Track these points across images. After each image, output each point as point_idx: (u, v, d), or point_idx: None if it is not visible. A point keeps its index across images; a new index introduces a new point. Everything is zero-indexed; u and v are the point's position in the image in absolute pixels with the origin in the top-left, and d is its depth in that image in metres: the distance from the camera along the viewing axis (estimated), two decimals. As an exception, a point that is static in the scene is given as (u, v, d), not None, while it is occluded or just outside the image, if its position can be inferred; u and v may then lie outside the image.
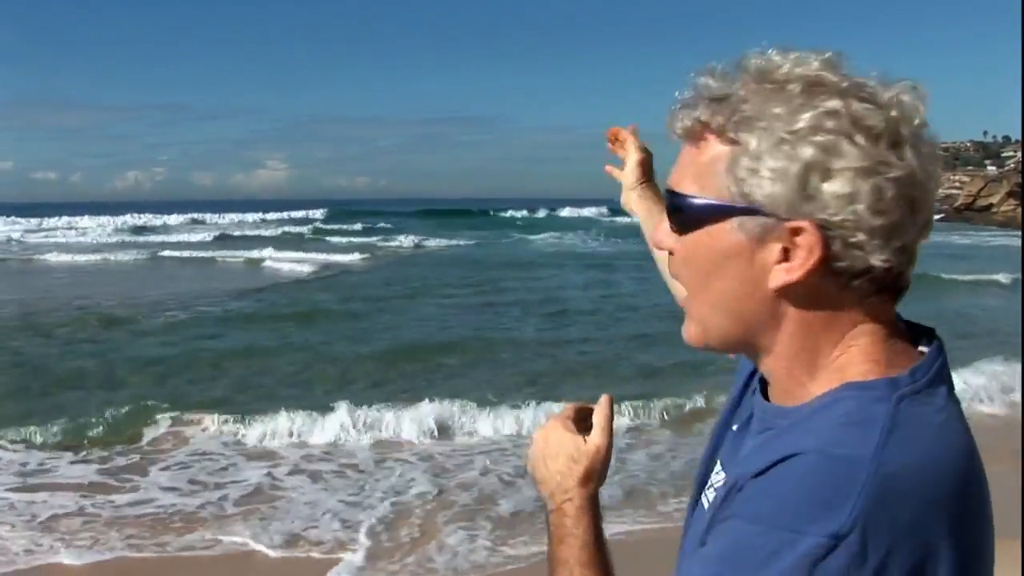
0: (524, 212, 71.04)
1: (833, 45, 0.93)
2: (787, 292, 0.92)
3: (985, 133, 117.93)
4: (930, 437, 0.89)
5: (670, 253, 1.02)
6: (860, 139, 0.87)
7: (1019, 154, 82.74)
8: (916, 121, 0.90)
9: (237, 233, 48.06)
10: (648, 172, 1.83)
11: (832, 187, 0.87)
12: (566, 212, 71.31)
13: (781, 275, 0.91)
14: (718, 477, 1.09)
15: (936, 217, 1.10)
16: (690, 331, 1.03)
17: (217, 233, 46.24)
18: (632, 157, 1.84)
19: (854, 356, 0.93)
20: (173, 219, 59.53)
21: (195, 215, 64.17)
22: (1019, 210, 62.05)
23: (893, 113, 0.89)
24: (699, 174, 0.95)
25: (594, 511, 1.20)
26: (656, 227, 1.06)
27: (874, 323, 0.94)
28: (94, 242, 41.85)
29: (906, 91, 0.91)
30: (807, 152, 0.87)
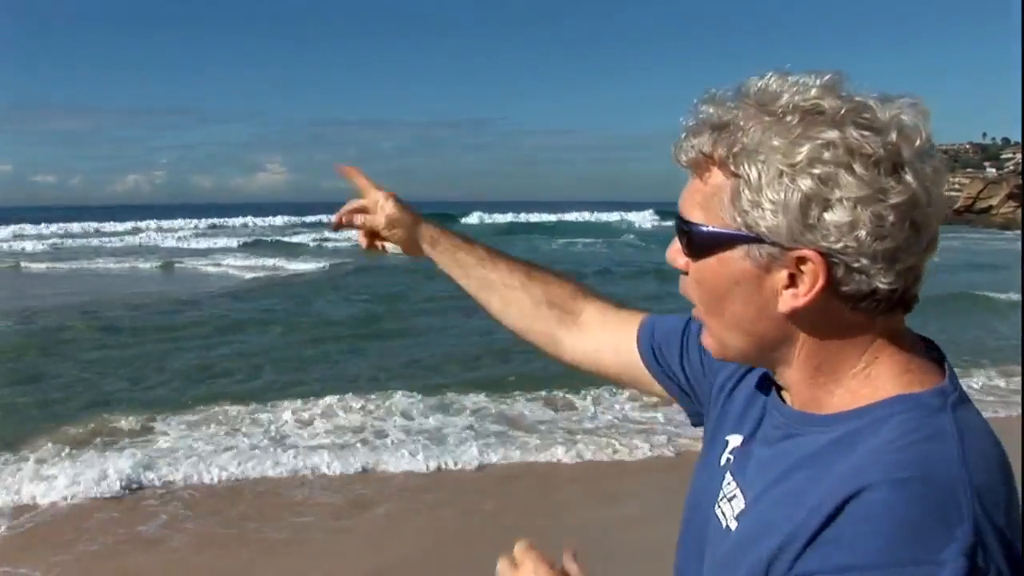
0: (535, 216, 69.56)
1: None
2: (796, 315, 0.96)
3: (984, 135, 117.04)
4: (986, 439, 0.93)
5: (683, 272, 1.06)
6: (858, 168, 0.89)
7: (1018, 156, 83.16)
8: (917, 142, 0.92)
9: (270, 238, 44.76)
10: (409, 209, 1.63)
11: (832, 216, 0.90)
12: (574, 216, 68.96)
13: (789, 300, 0.95)
14: (731, 488, 1.10)
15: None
16: (709, 344, 1.08)
17: (248, 240, 43.37)
18: (378, 193, 1.62)
19: (885, 367, 0.97)
20: (180, 223, 58.73)
21: (215, 220, 62.53)
22: (1018, 212, 62.46)
23: (892, 137, 0.91)
24: (705, 204, 0.98)
25: None
26: (670, 245, 1.08)
27: (892, 335, 0.98)
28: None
29: (906, 110, 0.93)
30: (806, 184, 0.90)
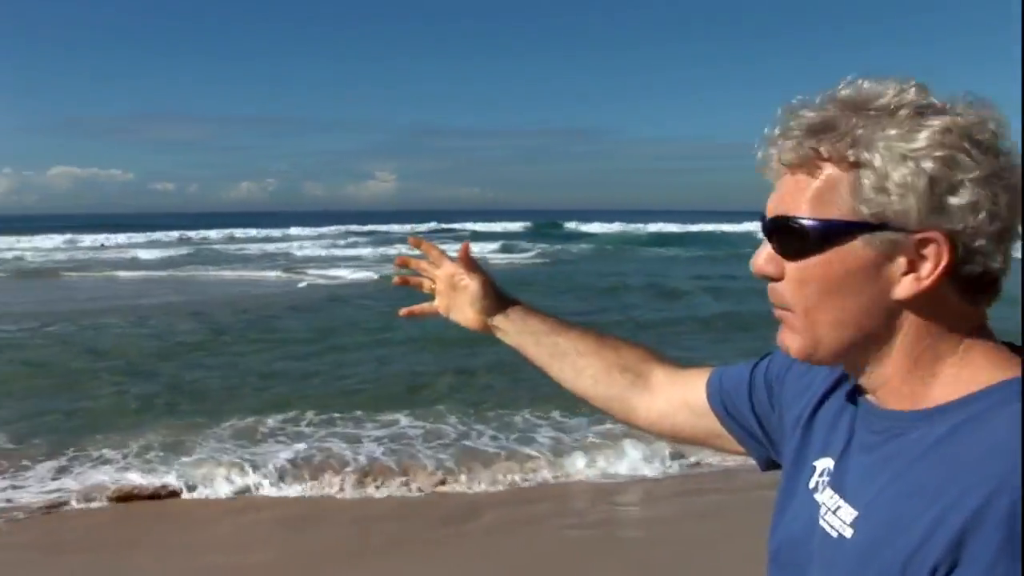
0: (653, 225, 67.65)
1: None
2: (912, 302, 0.97)
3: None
4: None
5: (771, 280, 1.04)
6: (975, 152, 0.92)
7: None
8: (1008, 134, 0.96)
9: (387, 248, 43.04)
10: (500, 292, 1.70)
11: (957, 198, 0.92)
12: (698, 227, 66.66)
13: (909, 285, 0.96)
14: (833, 500, 1.05)
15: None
16: (795, 345, 1.04)
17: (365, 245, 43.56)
18: (476, 278, 1.67)
19: (980, 354, 0.98)
20: (295, 230, 58.52)
21: (328, 228, 63.30)
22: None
23: (991, 126, 0.95)
24: (817, 199, 0.97)
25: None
26: (755, 256, 1.05)
27: (982, 325, 1.00)
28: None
29: (989, 107, 0.96)
30: (931, 166, 0.92)
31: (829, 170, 0.97)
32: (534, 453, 8.11)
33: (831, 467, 1.10)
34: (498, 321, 1.65)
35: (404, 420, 9.23)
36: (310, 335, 15.13)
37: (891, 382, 1.01)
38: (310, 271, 29.74)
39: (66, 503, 6.96)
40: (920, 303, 0.97)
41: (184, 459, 7.88)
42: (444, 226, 68.44)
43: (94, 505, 6.94)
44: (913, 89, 0.96)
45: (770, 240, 1.03)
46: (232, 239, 53.44)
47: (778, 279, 1.03)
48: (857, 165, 0.94)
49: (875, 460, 1.01)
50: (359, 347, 13.85)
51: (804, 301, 1.01)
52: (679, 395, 1.48)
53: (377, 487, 7.30)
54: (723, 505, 6.59)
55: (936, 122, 0.92)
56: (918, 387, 0.99)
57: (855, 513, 1.01)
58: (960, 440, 0.92)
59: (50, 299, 21.09)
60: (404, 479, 7.44)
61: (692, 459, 7.73)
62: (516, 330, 1.64)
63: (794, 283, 1.01)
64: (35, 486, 7.35)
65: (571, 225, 67.62)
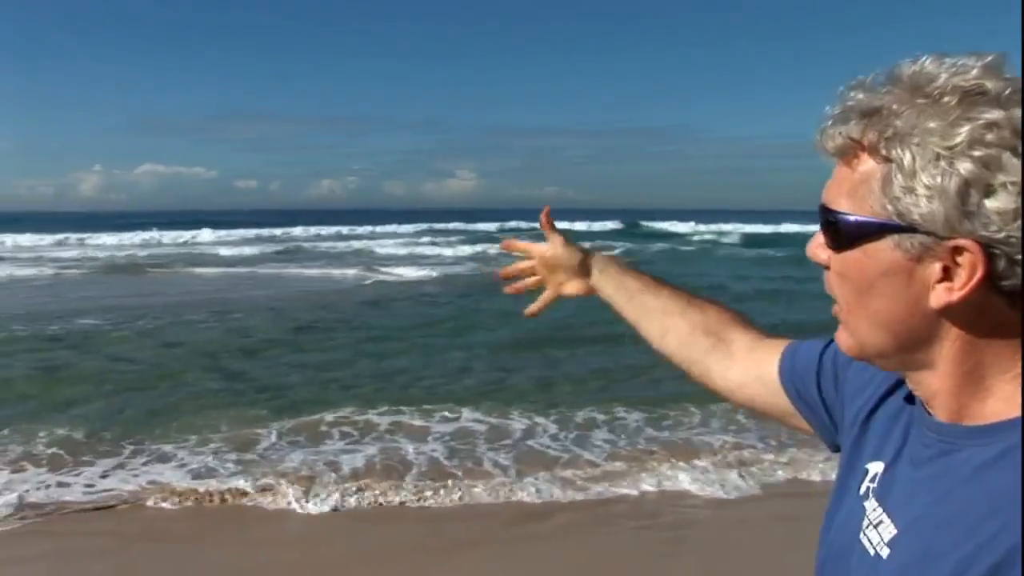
0: (748, 226, 65.78)
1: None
2: (949, 311, 0.90)
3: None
4: None
5: (825, 267, 1.00)
6: None
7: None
8: None
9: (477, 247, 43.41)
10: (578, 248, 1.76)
11: (994, 203, 0.84)
12: (795, 227, 64.70)
13: (943, 294, 0.89)
14: (876, 514, 1.01)
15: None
16: (846, 342, 1.02)
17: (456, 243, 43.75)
18: (554, 239, 1.76)
19: None
20: (380, 228, 58.85)
21: (412, 226, 63.27)
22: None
23: None
24: (853, 192, 0.93)
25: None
26: (811, 240, 1.02)
27: None
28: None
29: None
30: (966, 167, 0.84)
31: (867, 162, 0.91)
32: (597, 459, 7.96)
33: (880, 473, 1.06)
34: (596, 280, 1.69)
35: (471, 417, 9.25)
36: (385, 332, 15.21)
37: (941, 394, 0.95)
38: (391, 269, 29.79)
39: (141, 498, 6.99)
40: (961, 313, 0.90)
41: (253, 455, 7.96)
42: (528, 224, 68.32)
43: (165, 500, 6.95)
44: (976, 69, 0.86)
45: (821, 227, 0.98)
46: (319, 237, 53.89)
47: (828, 268, 0.99)
48: (889, 160, 0.88)
49: (922, 477, 0.96)
50: (434, 344, 13.86)
51: (845, 297, 0.98)
52: (753, 369, 1.44)
53: (445, 487, 7.25)
54: (798, 508, 6.28)
55: (985, 115, 0.83)
56: (970, 401, 0.93)
57: (895, 532, 0.97)
58: (1005, 467, 0.86)
59: (137, 294, 21.50)
60: (472, 480, 7.41)
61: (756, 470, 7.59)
62: (614, 287, 1.66)
63: (837, 276, 0.98)
64: (111, 477, 7.43)
65: (661, 225, 66.50)
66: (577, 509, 6.80)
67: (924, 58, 0.89)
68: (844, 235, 0.94)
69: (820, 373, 1.30)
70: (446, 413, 9.39)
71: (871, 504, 1.04)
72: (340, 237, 53.14)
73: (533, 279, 1.80)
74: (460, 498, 7.01)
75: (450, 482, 7.30)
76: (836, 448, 1.28)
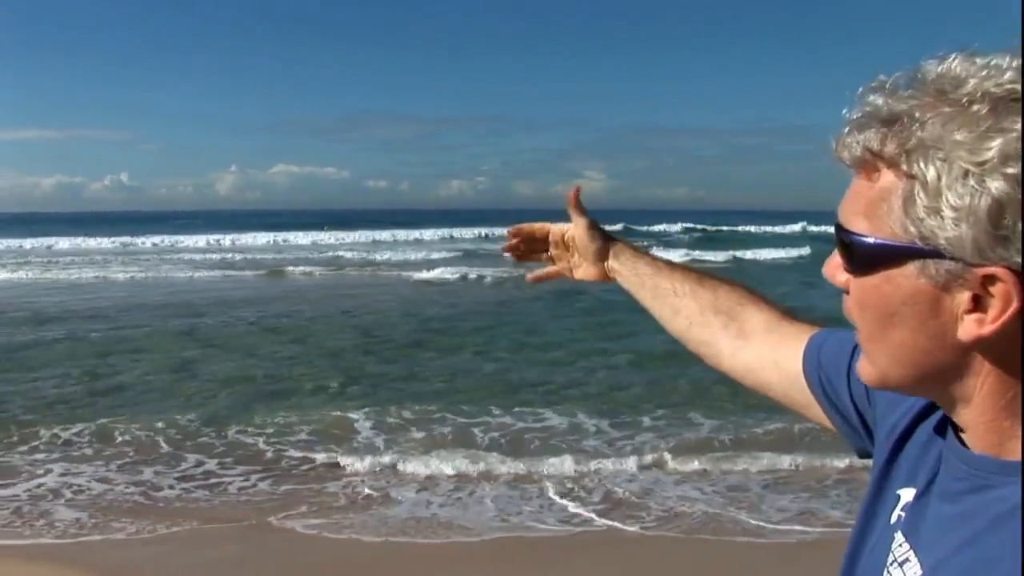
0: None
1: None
2: (980, 344, 0.80)
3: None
4: None
5: (845, 290, 0.90)
6: None
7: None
8: None
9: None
10: (603, 233, 1.67)
11: None
12: None
13: (972, 327, 0.79)
14: (902, 551, 0.93)
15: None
16: (868, 373, 0.92)
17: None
18: (580, 222, 1.66)
19: None
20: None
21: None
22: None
23: None
24: (871, 210, 0.83)
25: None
26: (828, 260, 0.92)
27: None
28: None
29: None
30: (998, 186, 0.73)
31: (887, 176, 0.81)
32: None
33: (911, 502, 0.97)
34: (611, 265, 1.63)
35: (588, 419, 9.33)
36: (501, 334, 15.48)
37: (977, 427, 0.86)
38: (513, 271, 29.47)
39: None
40: (993, 346, 0.79)
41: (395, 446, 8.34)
42: (650, 227, 67.83)
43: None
44: (1010, 72, 0.75)
45: (837, 248, 0.89)
46: (451, 239, 54.33)
47: (847, 291, 0.89)
48: (912, 177, 0.78)
49: (954, 514, 0.87)
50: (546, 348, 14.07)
51: (864, 325, 0.88)
52: (769, 353, 1.34)
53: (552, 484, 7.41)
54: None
55: (1020, 126, 0.72)
56: (1007, 437, 0.83)
57: (920, 573, 0.89)
58: None
59: (271, 294, 22.53)
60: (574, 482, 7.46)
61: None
62: (629, 271, 1.60)
63: (855, 302, 0.88)
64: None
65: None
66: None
67: (952, 57, 0.79)
68: (862, 259, 0.85)
69: (851, 374, 1.17)
70: (558, 410, 9.47)
71: (899, 538, 0.96)
72: (466, 240, 53.40)
73: (554, 268, 1.76)
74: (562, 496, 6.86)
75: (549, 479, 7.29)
76: (863, 454, 1.19)
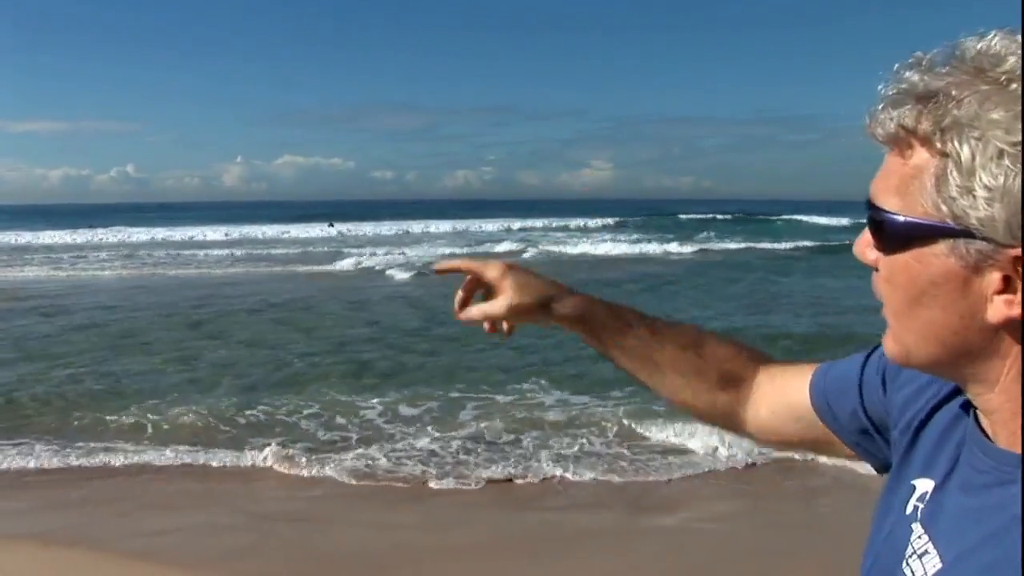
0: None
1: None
2: (1010, 327, 0.80)
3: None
4: None
5: (874, 268, 0.90)
6: None
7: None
8: None
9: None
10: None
11: None
12: None
13: (1002, 308, 0.79)
14: (921, 542, 0.93)
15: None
16: (892, 348, 0.91)
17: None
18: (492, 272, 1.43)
19: None
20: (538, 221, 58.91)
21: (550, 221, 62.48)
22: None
23: None
24: (903, 188, 0.83)
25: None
26: (858, 237, 0.91)
27: None
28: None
29: None
30: None
31: (920, 154, 0.81)
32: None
33: (928, 493, 0.97)
34: (572, 328, 1.42)
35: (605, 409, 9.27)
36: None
37: (1001, 414, 0.85)
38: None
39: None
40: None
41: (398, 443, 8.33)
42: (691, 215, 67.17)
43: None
44: None
45: (868, 226, 0.88)
46: (508, 231, 53.91)
47: (876, 269, 0.89)
48: (946, 155, 0.77)
49: (976, 506, 0.87)
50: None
51: (891, 303, 0.88)
52: (781, 401, 1.32)
53: (574, 475, 7.47)
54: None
55: None
56: None
57: (939, 566, 0.89)
58: None
59: (281, 289, 22.54)
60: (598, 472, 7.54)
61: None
62: (594, 343, 1.42)
63: (883, 280, 0.88)
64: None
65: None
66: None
67: (993, 35, 0.78)
68: (892, 237, 0.85)
69: (863, 388, 1.18)
70: (583, 398, 9.51)
71: (917, 529, 0.95)
72: (470, 233, 53.11)
73: (481, 312, 1.44)
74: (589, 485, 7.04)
75: (573, 469, 7.42)
76: (884, 469, 1.18)
